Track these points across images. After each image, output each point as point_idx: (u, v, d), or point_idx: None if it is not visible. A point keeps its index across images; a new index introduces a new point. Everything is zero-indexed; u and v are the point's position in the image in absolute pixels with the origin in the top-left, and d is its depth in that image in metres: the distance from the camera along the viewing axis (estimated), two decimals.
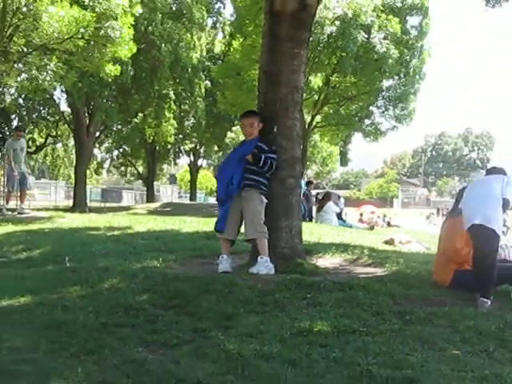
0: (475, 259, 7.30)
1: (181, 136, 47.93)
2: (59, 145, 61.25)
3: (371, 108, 34.39)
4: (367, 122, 35.50)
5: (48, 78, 23.03)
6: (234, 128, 52.97)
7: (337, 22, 27.12)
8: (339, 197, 28.25)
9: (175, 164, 79.92)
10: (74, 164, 48.55)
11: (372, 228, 27.68)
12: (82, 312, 6.12)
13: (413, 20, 31.85)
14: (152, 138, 45.79)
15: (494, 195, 7.40)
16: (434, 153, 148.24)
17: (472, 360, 4.88)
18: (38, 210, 23.77)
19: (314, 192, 27.04)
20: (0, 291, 7.27)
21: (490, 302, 6.79)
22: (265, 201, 8.34)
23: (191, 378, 4.31)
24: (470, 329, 5.73)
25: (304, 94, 9.66)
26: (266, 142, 8.46)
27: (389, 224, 36.34)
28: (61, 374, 4.40)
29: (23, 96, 38.40)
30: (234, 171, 8.38)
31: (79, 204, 36.91)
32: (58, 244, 11.60)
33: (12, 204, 19.84)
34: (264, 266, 8.01)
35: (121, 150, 61.44)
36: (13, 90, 35.88)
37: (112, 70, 23.30)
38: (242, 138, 10.90)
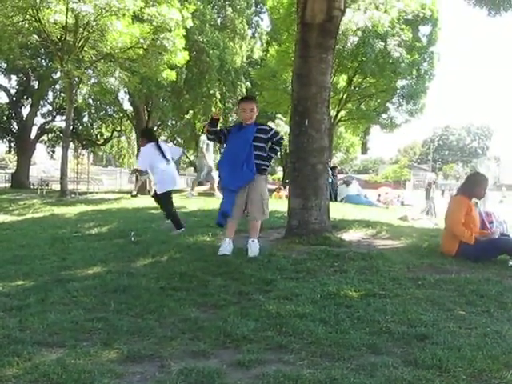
0: None
1: None
2: (123, 138, 61.48)
3: (387, 104, 34.27)
4: (384, 116, 35.38)
5: (113, 83, 23.22)
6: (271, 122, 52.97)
7: (359, 33, 26.92)
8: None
9: (221, 153, 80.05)
10: (135, 154, 48.84)
11: (387, 207, 27.56)
12: (145, 278, 6.19)
13: (424, 29, 31.51)
14: (201, 131, 45.88)
15: None
16: (440, 142, 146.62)
17: (475, 319, 4.85)
18: (105, 192, 23.97)
19: (339, 176, 26.87)
20: (76, 261, 7.39)
21: None
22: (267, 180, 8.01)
23: (237, 333, 4.34)
24: (474, 292, 5.69)
25: (331, 93, 9.57)
26: (263, 124, 8.21)
27: (402, 203, 36.09)
28: (128, 330, 4.45)
29: (92, 96, 38.60)
30: (244, 158, 7.50)
31: (140, 188, 37.08)
32: (123, 221, 11.71)
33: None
34: (257, 247, 7.59)
35: (175, 141, 61.68)
36: (83, 91, 36.07)
37: (169, 74, 23.31)
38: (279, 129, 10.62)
